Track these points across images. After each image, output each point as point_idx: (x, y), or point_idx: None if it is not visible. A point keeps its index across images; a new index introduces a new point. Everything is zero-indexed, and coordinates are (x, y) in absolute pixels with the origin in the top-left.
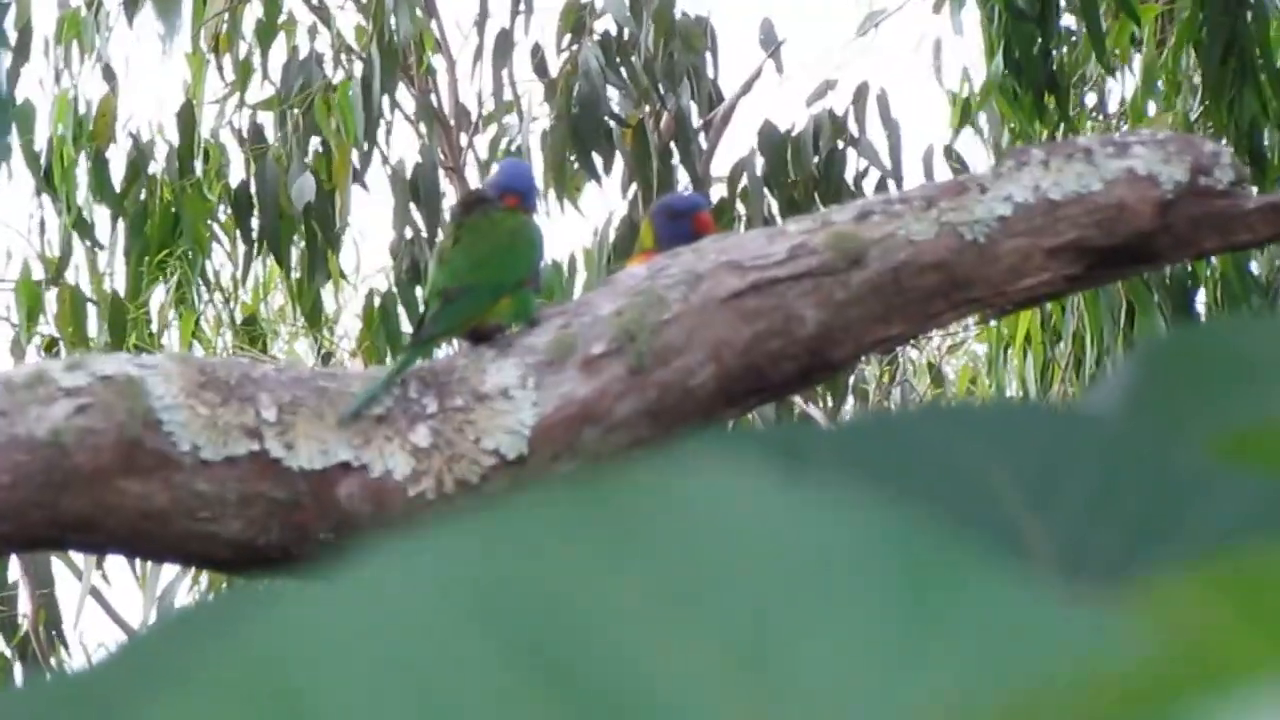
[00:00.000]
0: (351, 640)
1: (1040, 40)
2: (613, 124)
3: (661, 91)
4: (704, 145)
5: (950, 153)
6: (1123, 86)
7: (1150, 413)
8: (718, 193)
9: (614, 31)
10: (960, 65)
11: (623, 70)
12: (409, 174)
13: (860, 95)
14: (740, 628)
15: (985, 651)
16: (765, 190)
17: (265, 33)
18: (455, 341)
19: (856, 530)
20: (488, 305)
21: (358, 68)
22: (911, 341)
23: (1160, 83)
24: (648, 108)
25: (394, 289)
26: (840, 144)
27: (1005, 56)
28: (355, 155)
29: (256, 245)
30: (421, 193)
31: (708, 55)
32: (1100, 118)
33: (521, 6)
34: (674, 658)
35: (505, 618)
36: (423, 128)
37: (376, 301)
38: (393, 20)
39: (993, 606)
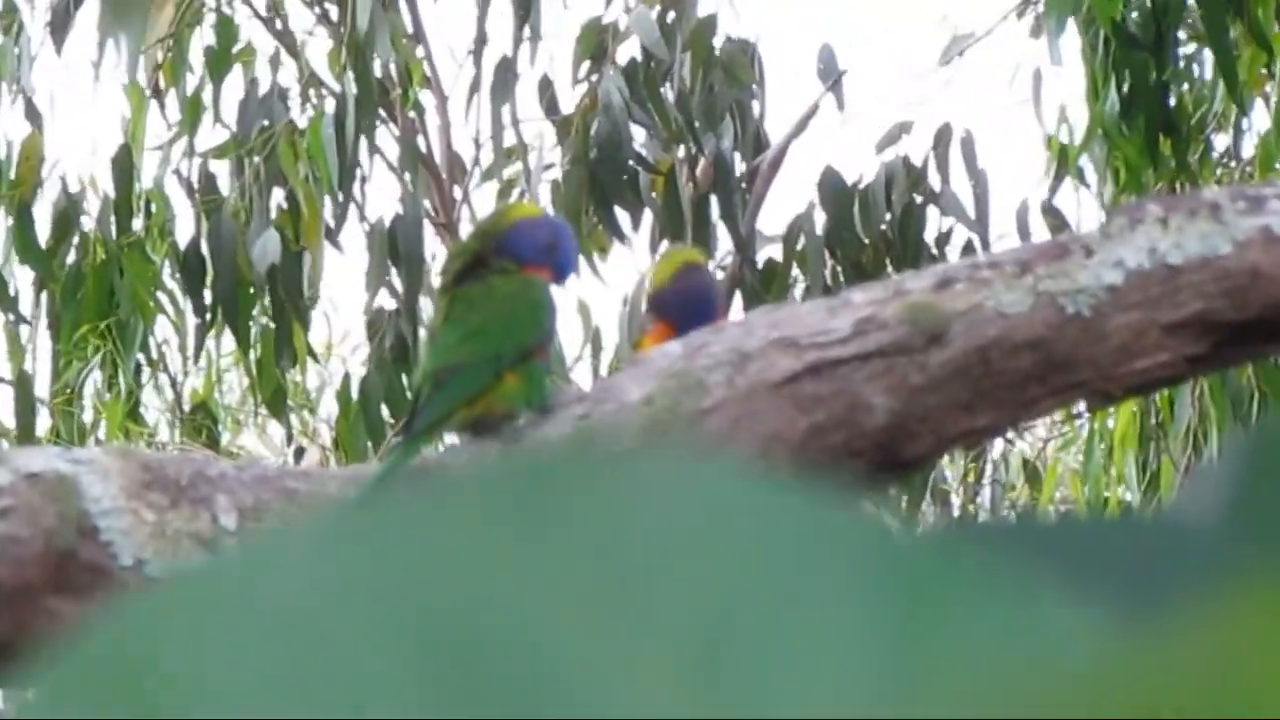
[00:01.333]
0: (218, 612)
1: (1155, 72)
2: (639, 170)
3: (698, 132)
4: (748, 197)
5: (1049, 209)
6: (1252, 128)
7: (1253, 522)
8: (768, 254)
9: (640, 59)
10: (1061, 102)
11: (650, 106)
12: (389, 230)
13: (942, 139)
14: (683, 625)
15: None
16: (826, 252)
17: (217, 63)
18: (453, 436)
19: (829, 529)
20: (488, 385)
21: (329, 105)
22: (1002, 435)
23: None
24: (681, 151)
25: (373, 370)
26: (918, 198)
27: (1115, 91)
28: (328, 208)
29: (210, 317)
30: (401, 252)
31: (754, 88)
32: (1229, 164)
33: (526, 32)
34: (592, 644)
35: (392, 596)
36: (407, 175)
37: (354, 385)
38: (373, 49)
39: (979, 613)
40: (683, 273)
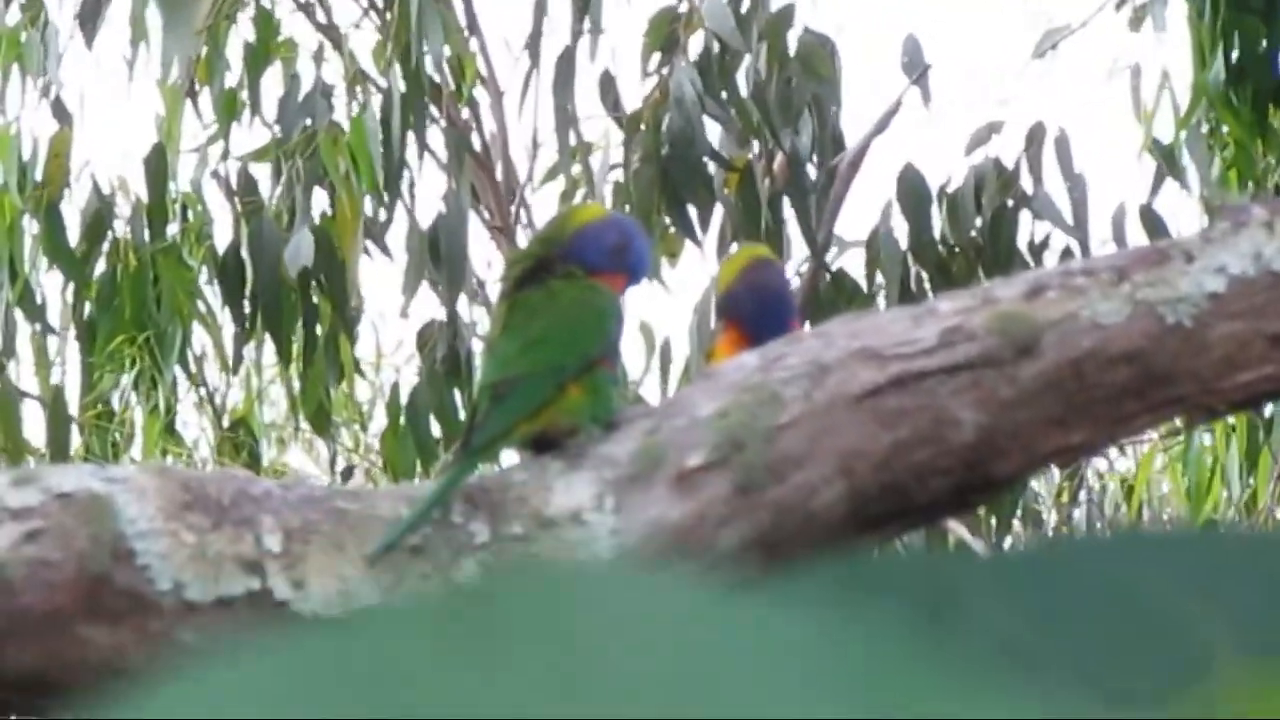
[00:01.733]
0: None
1: (1265, 39)
2: (713, 166)
3: (775, 128)
4: (826, 198)
5: (1147, 213)
6: None
7: None
8: (848, 260)
9: (715, 50)
10: (1157, 99)
11: (724, 99)
12: (437, 234)
13: (1035, 138)
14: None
15: None
16: (910, 258)
17: (256, 59)
18: (513, 452)
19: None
20: (550, 397)
21: (376, 102)
22: (1098, 452)
23: None
24: (756, 146)
25: (424, 383)
26: (1009, 201)
27: (1222, 59)
28: (373, 209)
29: (249, 326)
30: (443, 253)
31: (832, 83)
32: None
33: (586, 24)
34: None
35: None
36: (453, 180)
37: (403, 400)
38: (423, 42)
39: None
40: (752, 269)
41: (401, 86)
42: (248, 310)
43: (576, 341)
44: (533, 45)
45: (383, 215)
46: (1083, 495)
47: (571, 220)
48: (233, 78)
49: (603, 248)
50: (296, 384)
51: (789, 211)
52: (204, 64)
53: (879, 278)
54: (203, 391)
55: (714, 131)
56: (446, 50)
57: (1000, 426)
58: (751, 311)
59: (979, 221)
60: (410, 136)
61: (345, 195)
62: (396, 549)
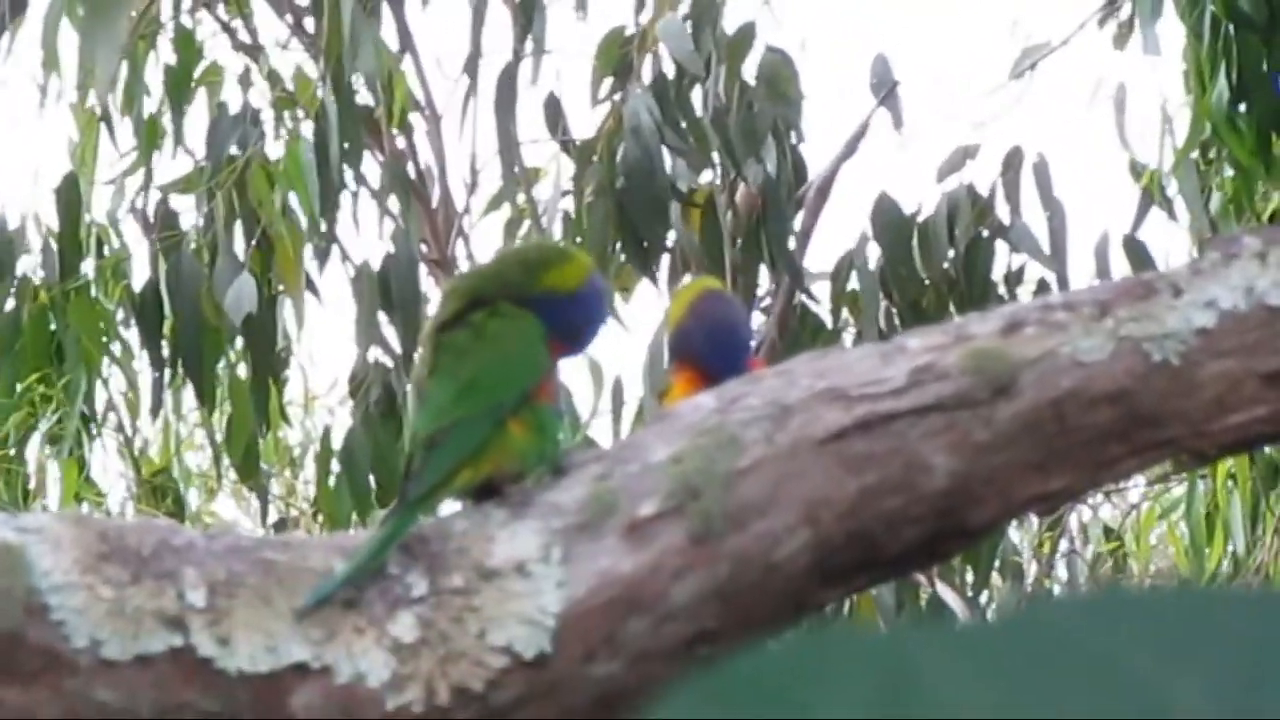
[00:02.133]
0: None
1: (1266, 60)
2: (672, 200)
3: (737, 154)
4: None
5: (1132, 243)
6: None
7: None
8: (818, 293)
9: (670, 75)
10: (1147, 121)
11: (683, 127)
12: (378, 271)
13: (1012, 164)
14: None
15: None
16: (884, 293)
17: (178, 84)
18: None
19: None
20: (490, 438)
21: (307, 129)
22: (1079, 499)
23: None
24: (709, 175)
25: (358, 427)
26: (985, 231)
27: (1225, 80)
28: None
29: (170, 369)
30: (395, 298)
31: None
32: None
33: (528, 47)
34: None
35: None
36: (397, 207)
37: (339, 442)
38: (355, 61)
39: None
40: (703, 302)
41: (334, 107)
42: (167, 352)
43: (510, 376)
44: (470, 65)
45: (319, 250)
46: (1065, 545)
47: (547, 276)
48: (152, 103)
49: (569, 323)
50: (223, 431)
51: (757, 244)
52: (124, 90)
53: (844, 313)
54: (121, 437)
55: (670, 162)
56: (379, 70)
57: (975, 472)
58: (705, 348)
59: (951, 253)
60: (353, 166)
61: (285, 230)
62: (329, 603)
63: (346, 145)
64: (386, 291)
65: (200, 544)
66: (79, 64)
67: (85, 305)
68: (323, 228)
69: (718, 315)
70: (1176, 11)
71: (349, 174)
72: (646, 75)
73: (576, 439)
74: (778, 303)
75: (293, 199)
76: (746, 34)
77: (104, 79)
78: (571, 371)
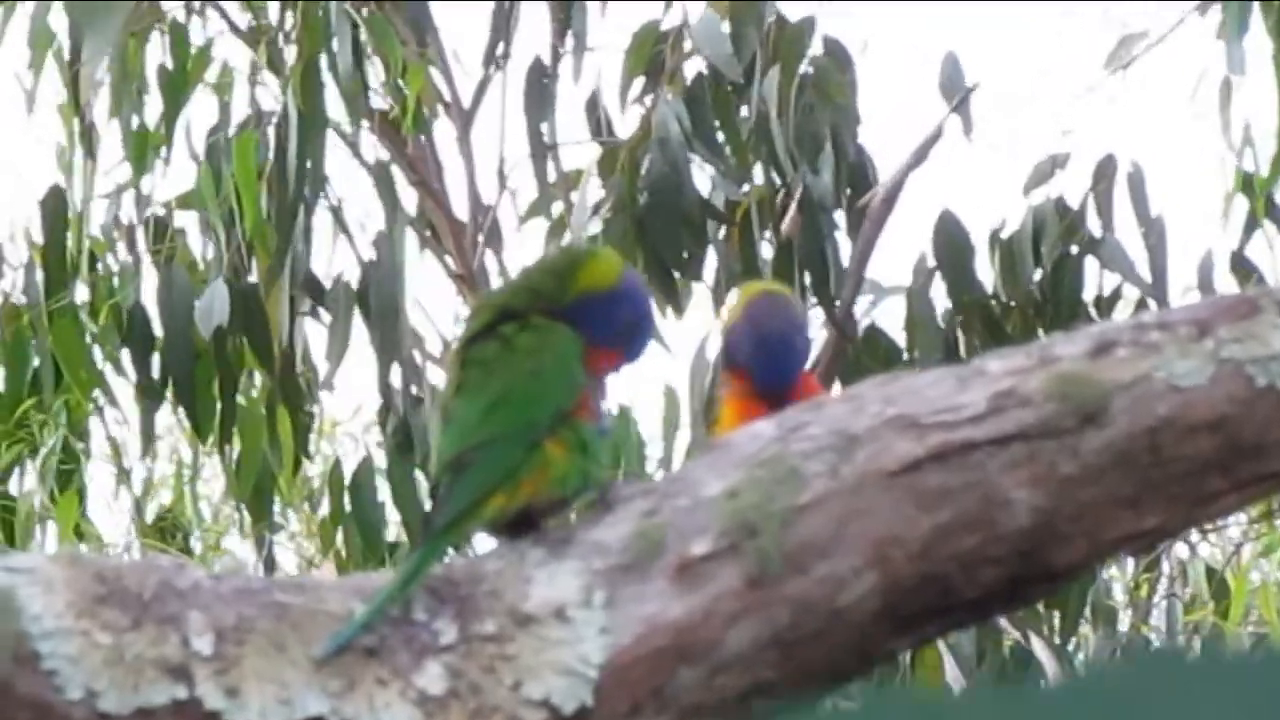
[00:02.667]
0: None
1: None
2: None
3: (783, 165)
4: (851, 245)
5: (1238, 260)
6: None
7: None
8: (883, 315)
9: (708, 75)
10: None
11: (721, 132)
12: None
13: (1104, 173)
14: None
15: None
16: (954, 313)
17: (175, 89)
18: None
19: None
20: (523, 460)
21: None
22: (1177, 536)
23: None
24: (753, 189)
25: (374, 457)
26: (1074, 248)
27: None
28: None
29: (165, 392)
30: (373, 310)
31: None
32: None
33: (567, 45)
34: None
35: None
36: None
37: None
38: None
39: None
40: (756, 307)
41: (294, 112)
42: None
43: (545, 392)
44: (489, 58)
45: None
46: (1162, 588)
47: (579, 279)
48: (152, 105)
49: (613, 323)
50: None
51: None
52: (111, 90)
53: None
54: (115, 471)
55: (705, 174)
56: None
57: (1061, 508)
58: (757, 358)
59: (1039, 273)
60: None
61: (257, 242)
62: (348, 650)
63: (309, 148)
64: (365, 304)
65: (207, 586)
66: (68, 62)
67: (69, 327)
68: (273, 244)
69: (771, 322)
70: (1266, 25)
71: (340, 177)
72: (679, 76)
73: (630, 464)
74: (831, 328)
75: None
76: (801, 31)
77: (89, 80)
78: (634, 386)
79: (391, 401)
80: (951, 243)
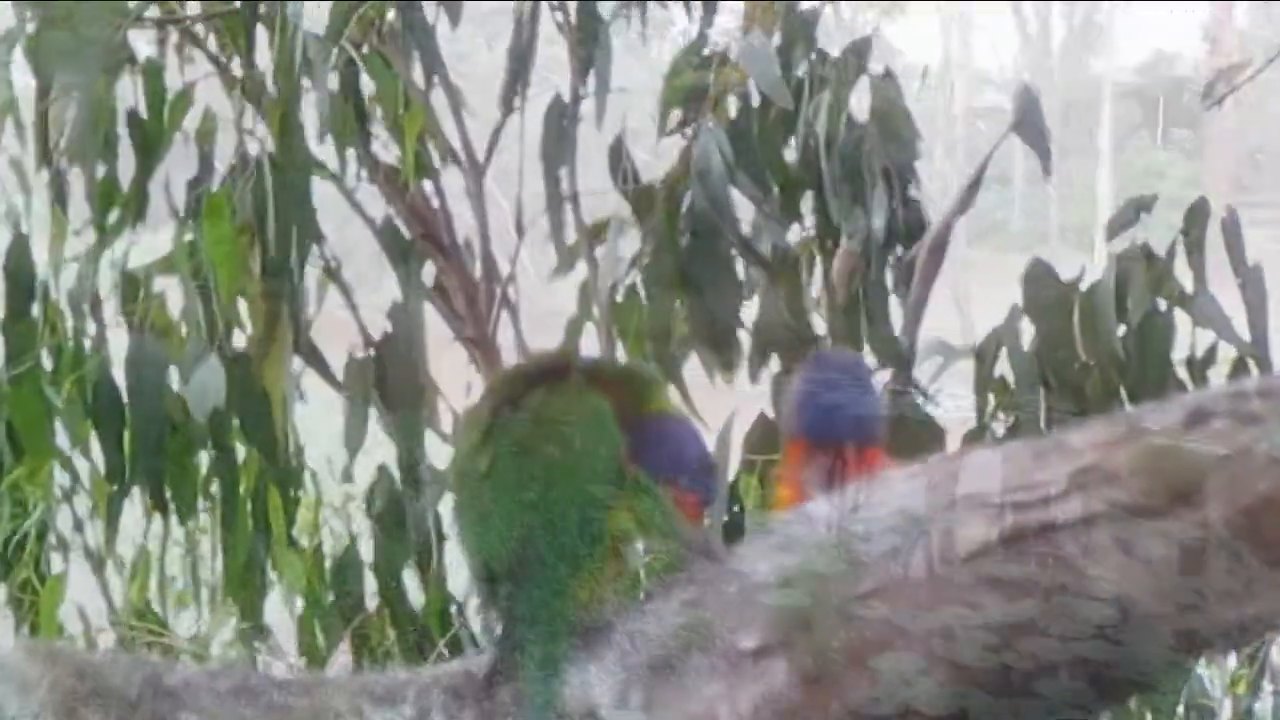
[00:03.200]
0: None
1: None
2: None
3: (831, 207)
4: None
5: None
6: None
7: None
8: (949, 378)
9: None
10: None
11: (768, 173)
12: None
13: (1196, 217)
14: None
15: None
16: (1041, 377)
17: (150, 138)
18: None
19: None
20: (586, 549)
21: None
22: None
23: None
24: (801, 232)
25: (354, 546)
26: (1162, 302)
27: None
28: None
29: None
30: (390, 389)
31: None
32: None
33: (588, 85)
34: None
35: None
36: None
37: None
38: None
39: None
40: (817, 368)
41: (268, 144)
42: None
43: (593, 469)
44: (507, 97)
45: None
46: (1266, 684)
47: (640, 402)
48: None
49: (679, 458)
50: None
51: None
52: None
53: (990, 400)
54: (87, 559)
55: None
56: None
57: (1150, 597)
58: (814, 427)
59: (1123, 330)
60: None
61: (249, 309)
62: None
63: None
64: (382, 378)
65: (200, 683)
66: (35, 100)
67: (30, 397)
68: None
69: (830, 386)
70: None
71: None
72: (723, 104)
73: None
74: (889, 390)
75: None
76: (858, 51)
77: (59, 120)
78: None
79: (389, 483)
80: (1046, 292)
